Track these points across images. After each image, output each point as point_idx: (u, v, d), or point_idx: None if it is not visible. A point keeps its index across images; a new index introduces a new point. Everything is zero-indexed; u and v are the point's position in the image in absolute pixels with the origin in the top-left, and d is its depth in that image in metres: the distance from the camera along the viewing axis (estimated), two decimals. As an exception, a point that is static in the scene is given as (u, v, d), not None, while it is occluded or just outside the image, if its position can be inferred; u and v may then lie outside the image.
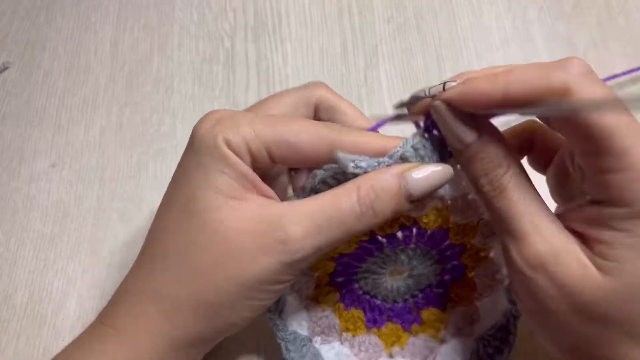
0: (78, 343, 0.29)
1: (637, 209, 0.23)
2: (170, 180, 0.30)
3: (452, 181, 0.28)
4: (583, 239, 0.25)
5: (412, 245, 0.32)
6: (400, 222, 0.30)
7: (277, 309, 0.33)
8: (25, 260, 0.42)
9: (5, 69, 0.51)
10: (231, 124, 0.27)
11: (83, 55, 0.51)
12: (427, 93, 0.27)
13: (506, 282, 0.33)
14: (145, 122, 0.48)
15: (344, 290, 0.35)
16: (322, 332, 0.35)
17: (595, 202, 0.24)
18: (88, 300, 0.40)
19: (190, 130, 0.29)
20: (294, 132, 0.27)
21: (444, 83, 0.26)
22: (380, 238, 0.31)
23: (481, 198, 0.27)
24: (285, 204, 0.28)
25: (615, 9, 0.51)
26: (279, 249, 0.26)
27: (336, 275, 0.34)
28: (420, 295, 0.36)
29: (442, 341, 0.35)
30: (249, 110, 0.32)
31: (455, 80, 0.26)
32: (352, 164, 0.27)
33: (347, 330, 0.35)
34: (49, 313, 0.40)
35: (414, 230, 0.31)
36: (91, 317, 0.40)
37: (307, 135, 0.27)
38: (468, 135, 0.26)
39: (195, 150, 0.28)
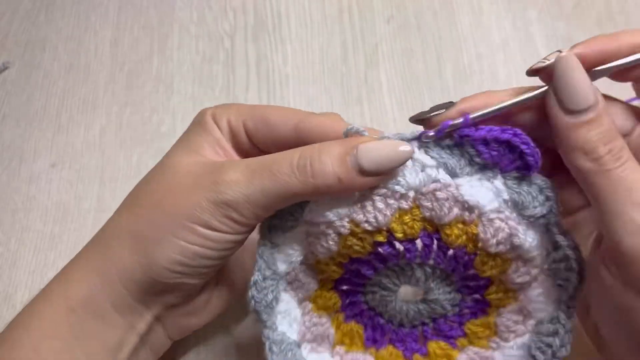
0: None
1: None
2: None
3: (485, 196, 0.27)
4: None
5: (431, 262, 0.29)
6: (422, 225, 0.28)
7: (268, 304, 0.29)
8: (25, 260, 0.42)
9: (5, 69, 0.51)
10: (222, 106, 0.32)
11: (83, 55, 0.51)
12: (544, 61, 0.26)
13: (526, 336, 0.29)
14: (145, 122, 0.48)
15: (347, 300, 0.33)
16: (314, 340, 0.32)
17: None
18: (88, 300, 0.40)
19: None
20: (267, 111, 0.31)
21: (559, 50, 0.25)
22: (398, 243, 0.29)
23: (590, 170, 0.24)
24: (236, 159, 0.31)
25: (615, 9, 0.51)
26: (211, 188, 0.27)
27: (342, 282, 0.32)
28: (431, 325, 0.33)
29: None
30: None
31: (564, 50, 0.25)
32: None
33: (342, 343, 0.33)
34: (49, 313, 0.40)
35: (435, 242, 0.29)
36: (91, 317, 0.40)
37: (277, 112, 0.30)
38: (592, 95, 0.24)
39: (189, 127, 0.32)
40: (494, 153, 0.27)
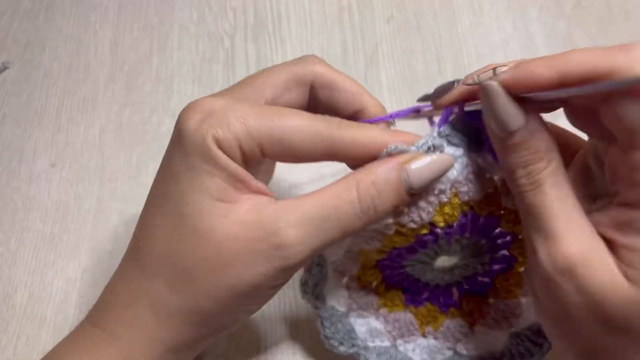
0: (70, 345, 0.28)
1: None
2: (158, 170, 0.28)
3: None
4: (608, 244, 0.24)
5: (467, 234, 0.31)
6: (459, 212, 0.29)
7: (315, 289, 0.33)
8: (25, 260, 0.42)
9: (5, 69, 0.51)
10: (221, 120, 0.25)
11: (83, 55, 0.51)
12: (475, 79, 0.26)
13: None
14: (145, 122, 0.48)
15: (388, 272, 0.34)
16: (360, 308, 0.35)
17: (625, 205, 0.23)
18: (88, 300, 0.40)
19: None
20: (288, 130, 0.25)
21: (494, 68, 0.25)
22: (439, 231, 0.30)
23: (514, 191, 0.26)
24: (280, 203, 0.26)
25: (615, 9, 0.51)
26: (275, 255, 0.25)
27: (383, 261, 0.33)
28: (464, 283, 0.35)
29: (477, 330, 0.35)
30: (236, 88, 0.29)
31: (505, 65, 0.25)
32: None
33: (385, 306, 0.35)
34: (48, 313, 0.40)
35: (469, 216, 0.29)
36: (91, 317, 0.40)
37: (303, 134, 0.26)
38: (516, 121, 0.24)
39: (184, 149, 0.26)
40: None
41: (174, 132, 0.27)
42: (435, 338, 0.35)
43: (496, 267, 0.33)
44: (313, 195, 0.26)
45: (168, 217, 0.26)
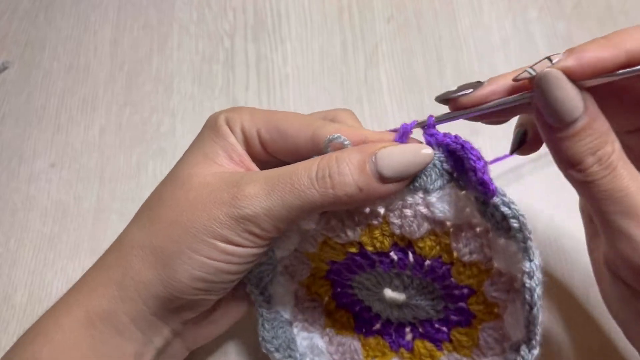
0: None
1: None
2: None
3: (455, 206, 0.26)
4: None
5: (408, 272, 0.30)
6: (393, 241, 0.28)
7: (264, 285, 0.31)
8: (25, 261, 0.42)
9: (5, 68, 0.51)
10: (234, 110, 0.31)
11: (83, 55, 0.51)
12: (530, 72, 0.24)
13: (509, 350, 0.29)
14: (145, 122, 0.48)
15: (338, 289, 0.34)
16: (305, 320, 0.34)
17: None
18: (88, 300, 0.40)
19: (190, 130, 0.29)
20: (282, 119, 0.29)
21: (548, 58, 0.24)
22: (369, 254, 0.29)
23: (583, 181, 0.24)
24: (254, 171, 0.29)
25: (615, 9, 0.51)
26: (229, 202, 0.27)
27: (332, 273, 0.33)
28: (418, 326, 0.33)
29: None
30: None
31: (559, 53, 0.24)
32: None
33: (332, 327, 0.34)
34: (48, 313, 0.40)
35: (410, 255, 0.29)
36: (91, 317, 0.39)
37: (292, 122, 0.29)
38: (579, 107, 0.23)
39: (202, 132, 0.31)
40: (459, 164, 0.26)
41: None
42: None
43: (454, 317, 0.32)
44: (282, 167, 0.28)
45: (168, 177, 0.30)
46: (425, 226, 0.27)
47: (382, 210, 0.28)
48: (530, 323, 0.25)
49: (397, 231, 0.28)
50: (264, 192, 0.26)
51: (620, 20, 0.50)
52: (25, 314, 0.40)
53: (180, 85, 0.49)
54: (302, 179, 0.26)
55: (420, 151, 0.26)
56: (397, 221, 0.28)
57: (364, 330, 0.34)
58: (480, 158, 0.25)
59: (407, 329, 0.34)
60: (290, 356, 0.32)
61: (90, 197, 0.45)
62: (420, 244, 0.28)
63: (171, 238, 0.28)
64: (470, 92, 0.26)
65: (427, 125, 0.26)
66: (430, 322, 0.33)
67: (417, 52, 0.49)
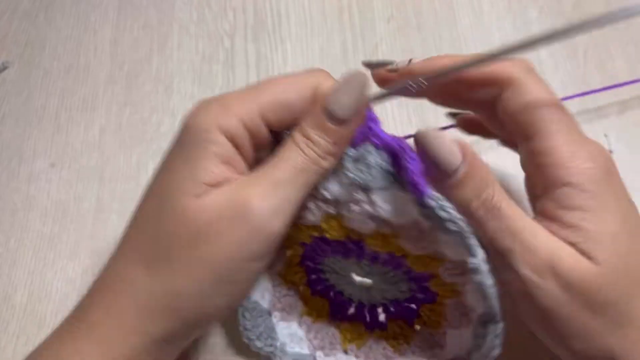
0: (51, 341, 0.28)
1: (574, 181, 0.25)
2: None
3: (398, 207, 0.27)
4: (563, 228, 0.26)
5: (366, 261, 0.31)
6: (345, 233, 0.29)
7: None
8: (25, 260, 0.42)
9: (5, 68, 0.51)
10: (222, 109, 0.26)
11: (82, 55, 0.51)
12: (394, 66, 0.28)
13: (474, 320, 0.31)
14: (145, 122, 0.48)
15: (313, 276, 0.34)
16: (283, 310, 0.34)
17: (548, 195, 0.26)
18: (88, 300, 0.40)
19: None
20: (279, 91, 0.27)
21: (410, 60, 0.28)
22: (329, 240, 0.30)
23: (473, 222, 0.26)
24: (247, 175, 0.27)
25: (615, 9, 0.51)
26: (243, 218, 0.26)
27: (306, 258, 0.33)
28: (390, 306, 0.35)
29: (401, 354, 0.34)
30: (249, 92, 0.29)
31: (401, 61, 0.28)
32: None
33: (309, 314, 0.35)
34: (48, 313, 0.40)
35: (365, 248, 0.30)
36: (91, 317, 0.40)
37: (293, 89, 0.27)
38: (457, 157, 0.25)
39: (182, 142, 0.27)
40: (397, 161, 0.26)
41: (178, 132, 0.28)
42: (357, 357, 0.35)
43: (420, 296, 0.33)
44: (271, 165, 0.27)
45: (154, 203, 0.27)
46: (371, 224, 0.28)
47: (332, 201, 0.28)
48: (488, 303, 0.27)
49: (348, 224, 0.29)
50: (271, 194, 0.26)
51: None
52: (25, 314, 0.40)
53: (180, 85, 0.49)
54: (297, 158, 0.26)
55: (360, 76, 0.28)
56: (347, 214, 0.28)
57: (339, 315, 0.35)
58: (414, 159, 0.25)
59: (380, 309, 0.35)
60: (271, 345, 0.33)
61: (90, 197, 0.45)
62: (369, 241, 0.29)
63: (191, 277, 0.26)
64: (393, 65, 0.30)
65: (370, 126, 0.27)
66: (398, 301, 0.34)
67: (417, 52, 0.49)
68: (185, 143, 0.27)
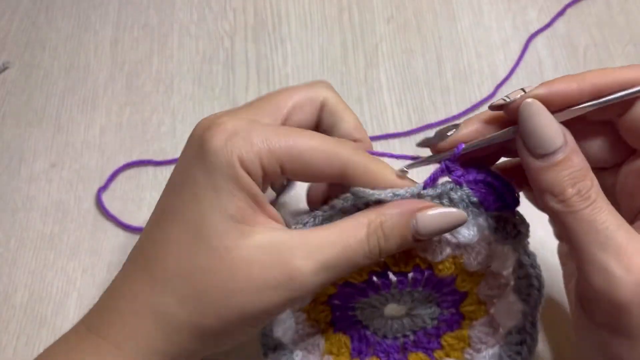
0: (64, 348, 0.28)
1: None
2: (169, 183, 0.28)
3: (478, 230, 0.28)
4: None
5: (420, 289, 0.31)
6: (416, 263, 0.30)
7: None
8: (25, 260, 0.42)
9: (5, 69, 0.51)
10: (245, 140, 0.26)
11: (83, 55, 0.51)
12: (506, 99, 0.26)
13: (497, 347, 0.32)
14: (145, 122, 0.48)
15: (337, 313, 0.34)
16: (305, 348, 0.34)
17: None
18: (88, 300, 0.40)
19: (190, 130, 0.28)
20: (308, 149, 0.27)
21: (522, 89, 0.26)
22: (391, 275, 0.30)
23: (560, 211, 0.25)
24: (295, 234, 0.27)
25: (615, 9, 0.51)
26: (286, 285, 0.26)
27: (335, 297, 0.33)
28: (411, 337, 0.35)
29: None
30: (253, 106, 0.29)
31: (530, 86, 0.26)
32: (373, 196, 0.27)
33: (331, 353, 0.35)
34: (49, 313, 0.40)
35: (426, 273, 0.30)
36: (91, 317, 0.40)
37: (321, 154, 0.27)
38: (559, 138, 0.24)
39: (207, 168, 0.26)
40: (483, 192, 0.28)
41: (193, 148, 0.27)
42: None
43: (444, 324, 0.34)
44: (325, 230, 0.27)
45: (186, 235, 0.27)
46: (448, 251, 0.29)
47: None
48: (533, 303, 0.29)
49: (422, 254, 0.29)
50: (321, 270, 0.26)
51: (620, 20, 0.50)
52: (25, 314, 0.40)
53: (180, 85, 0.49)
54: (358, 254, 0.26)
55: (458, 218, 0.27)
56: (422, 245, 0.29)
57: (360, 352, 0.35)
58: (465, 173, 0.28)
59: (400, 343, 0.35)
60: None
61: (90, 197, 0.45)
62: (440, 267, 0.30)
63: (223, 319, 0.27)
64: (450, 135, 0.28)
65: (450, 170, 0.28)
66: (424, 331, 0.34)
67: (417, 52, 0.49)
68: (212, 171, 0.26)
